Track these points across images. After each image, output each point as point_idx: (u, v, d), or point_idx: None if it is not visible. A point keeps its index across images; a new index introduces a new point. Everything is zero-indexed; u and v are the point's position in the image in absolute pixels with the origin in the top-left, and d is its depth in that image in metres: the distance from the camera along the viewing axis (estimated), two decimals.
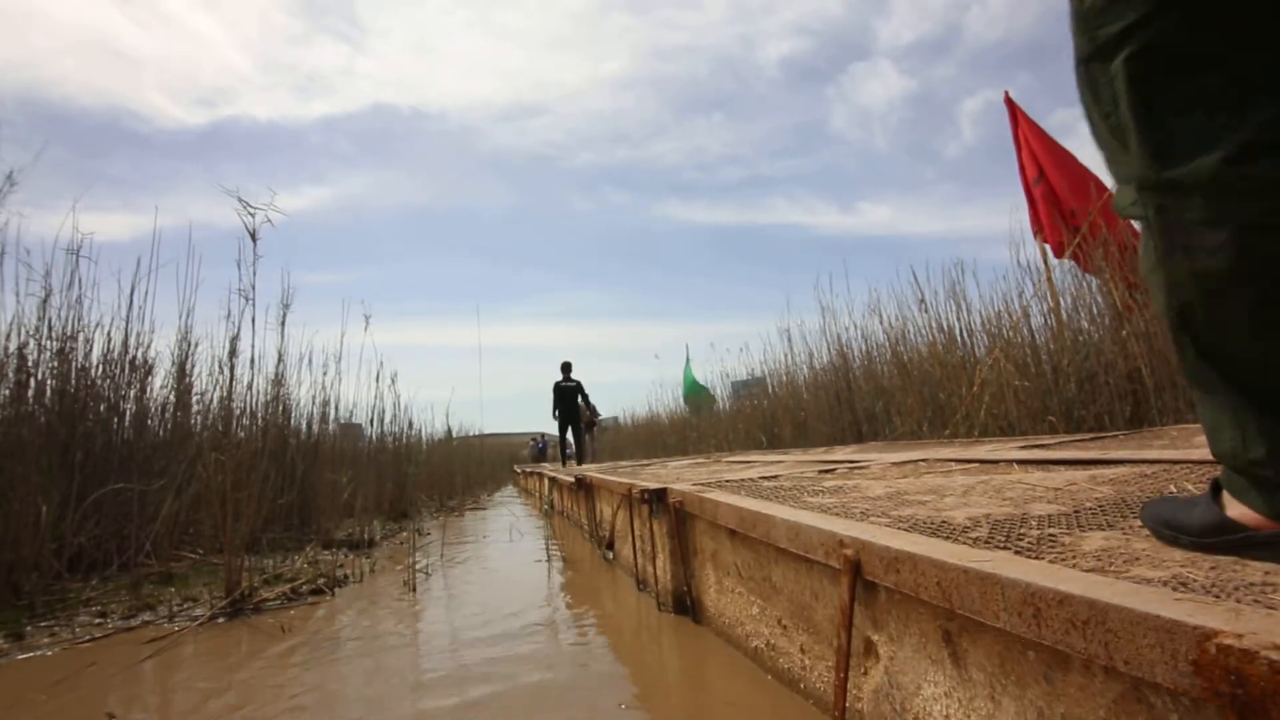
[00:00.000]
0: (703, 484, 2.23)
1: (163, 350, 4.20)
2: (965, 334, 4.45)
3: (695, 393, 10.33)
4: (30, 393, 3.31)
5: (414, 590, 3.00)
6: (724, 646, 1.77)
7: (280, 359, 4.77)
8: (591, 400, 10.47)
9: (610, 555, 3.53)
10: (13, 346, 3.32)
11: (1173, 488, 1.15)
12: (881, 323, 5.54)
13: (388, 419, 7.08)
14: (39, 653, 2.23)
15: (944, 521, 1.08)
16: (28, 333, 3.38)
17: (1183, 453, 1.53)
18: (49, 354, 3.43)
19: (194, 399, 4.26)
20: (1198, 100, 0.68)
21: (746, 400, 7.95)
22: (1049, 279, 4.01)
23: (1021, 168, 4.45)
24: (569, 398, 9.82)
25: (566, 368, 9.98)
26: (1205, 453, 1.48)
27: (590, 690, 1.58)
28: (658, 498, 2.27)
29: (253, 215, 3.47)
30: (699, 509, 1.90)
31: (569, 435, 10.05)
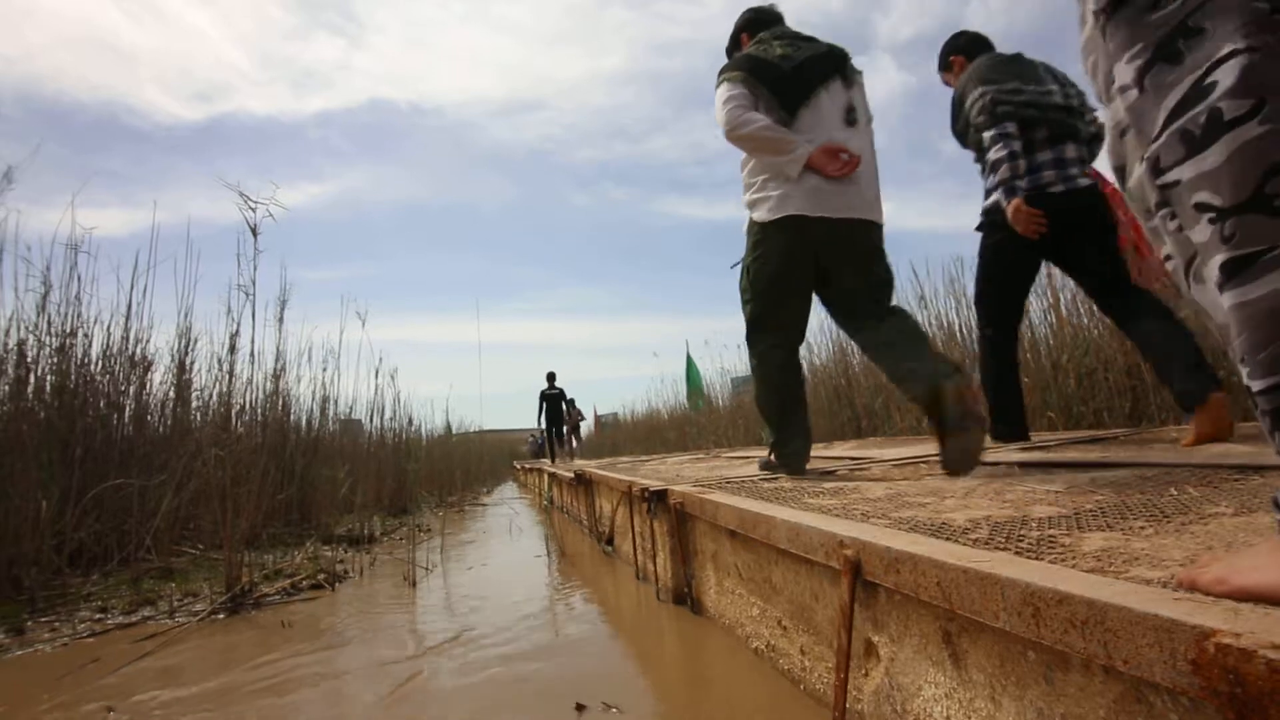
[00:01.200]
0: (703, 484, 2.23)
1: (162, 346, 4.20)
2: (965, 330, 4.45)
3: (696, 389, 10.41)
4: (30, 388, 3.31)
5: (414, 585, 3.01)
6: (724, 636, 1.78)
7: (280, 355, 4.78)
8: (576, 404, 12.64)
9: (610, 550, 3.54)
10: (12, 342, 3.32)
11: (1173, 490, 1.15)
12: None
13: (387, 415, 7.09)
14: (40, 648, 2.24)
15: (944, 523, 1.08)
16: (27, 329, 3.38)
17: (1183, 456, 1.54)
18: (49, 350, 3.43)
19: (194, 395, 4.26)
20: (770, 326, 2.12)
21: (746, 396, 7.96)
22: (1049, 275, 4.01)
23: None
24: (554, 404, 11.75)
25: (551, 377, 11.90)
26: (1205, 456, 1.49)
27: (593, 675, 1.59)
28: (658, 498, 2.26)
29: (254, 210, 3.47)
30: (699, 510, 1.90)
31: (554, 435, 11.94)
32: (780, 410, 2.10)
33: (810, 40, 2.12)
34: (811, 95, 1.99)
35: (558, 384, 11.89)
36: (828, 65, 2.05)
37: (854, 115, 2.04)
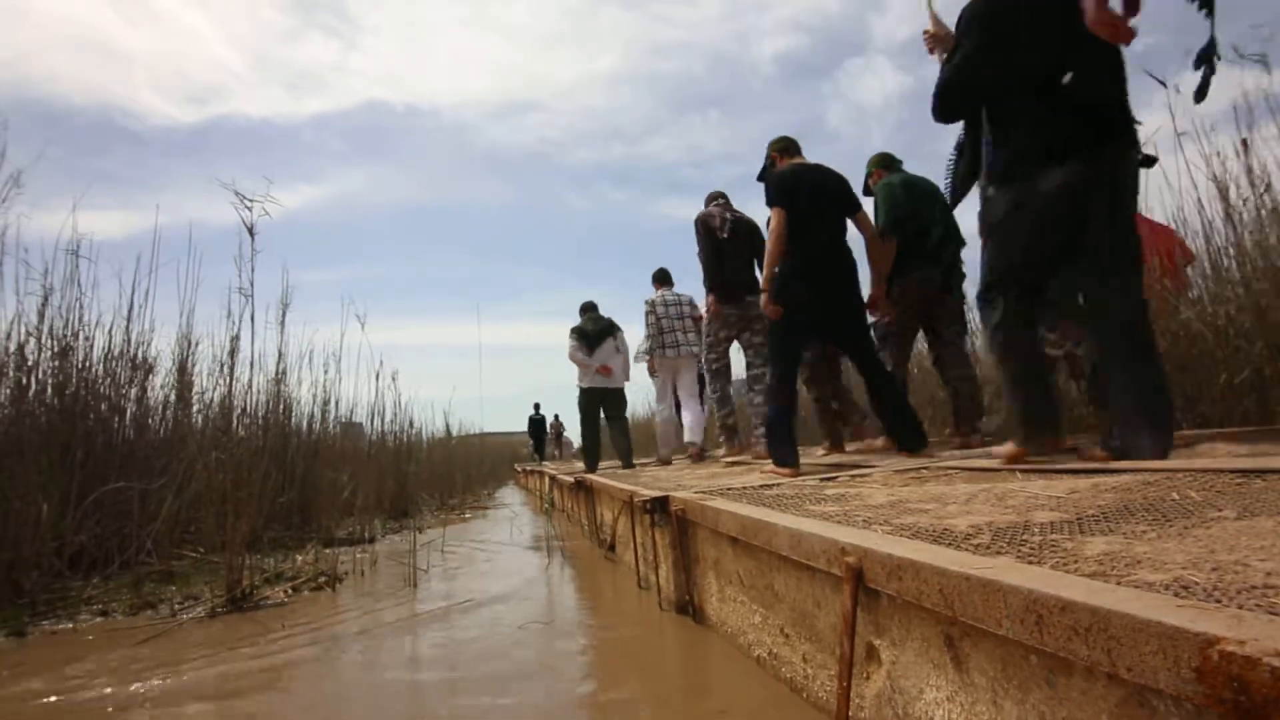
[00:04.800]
0: (704, 491, 2.22)
1: (163, 349, 4.19)
2: None
3: None
4: (31, 392, 3.31)
5: (414, 587, 3.00)
6: (726, 644, 1.77)
7: (280, 358, 4.77)
8: (559, 418, 17.86)
9: (611, 554, 3.53)
10: (14, 346, 3.31)
11: (1175, 495, 1.15)
12: None
13: (388, 417, 7.05)
14: (40, 651, 2.23)
15: (946, 530, 1.08)
16: (28, 332, 3.37)
17: (1185, 461, 1.54)
18: (50, 353, 3.43)
19: (195, 398, 4.25)
20: (585, 424, 5.71)
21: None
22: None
23: None
24: (539, 427, 17.18)
25: (537, 407, 17.25)
26: (1206, 461, 1.49)
27: (595, 688, 1.59)
28: (660, 506, 2.25)
29: (249, 209, 3.45)
30: (701, 517, 1.90)
31: (540, 448, 17.11)
32: (590, 451, 5.45)
33: (602, 319, 5.33)
34: (598, 345, 5.21)
35: (542, 411, 17.42)
36: (606, 333, 5.25)
37: (617, 349, 5.29)
